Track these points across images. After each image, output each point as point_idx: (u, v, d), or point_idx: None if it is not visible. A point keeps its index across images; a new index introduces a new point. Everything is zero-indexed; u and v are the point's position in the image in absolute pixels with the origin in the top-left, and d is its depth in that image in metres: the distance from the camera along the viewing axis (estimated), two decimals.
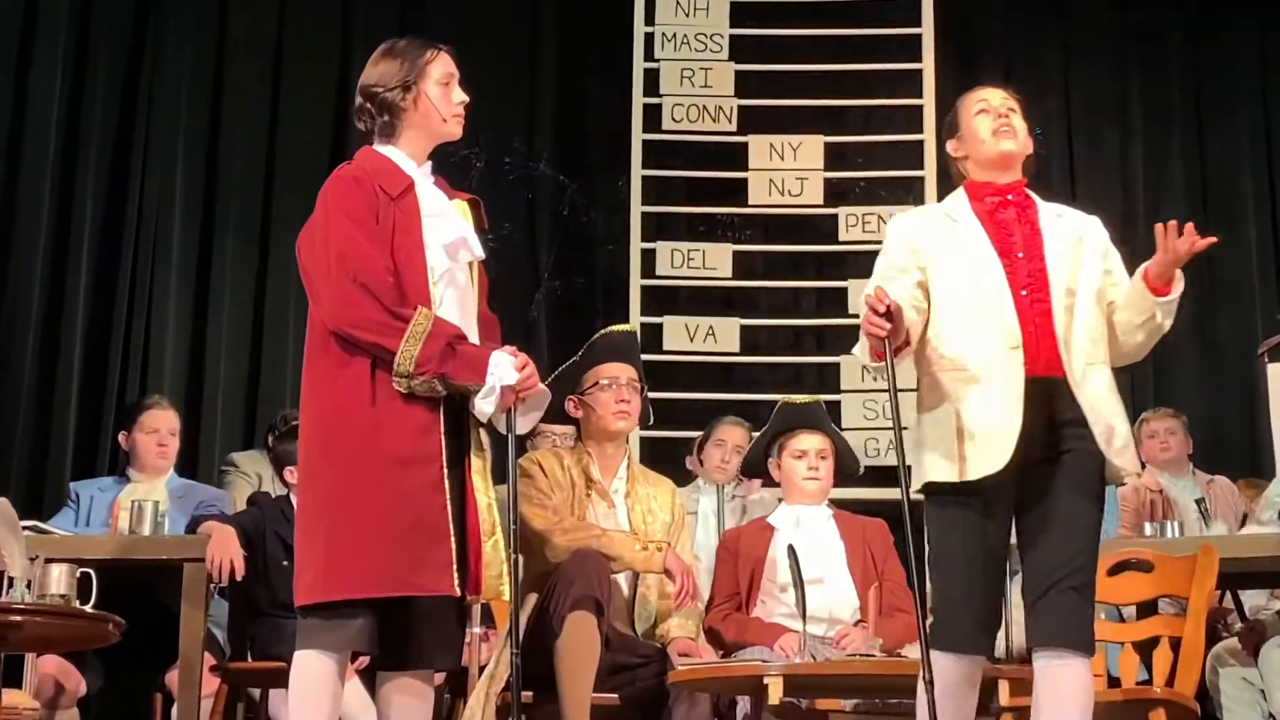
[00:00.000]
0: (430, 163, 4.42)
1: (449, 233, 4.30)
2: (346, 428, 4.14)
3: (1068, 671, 3.97)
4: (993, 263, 4.20)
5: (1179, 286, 4.17)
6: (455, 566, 4.07)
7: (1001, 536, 4.12)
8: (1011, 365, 4.10)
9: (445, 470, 4.12)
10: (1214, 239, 4.12)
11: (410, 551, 4.05)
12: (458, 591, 4.08)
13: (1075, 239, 4.27)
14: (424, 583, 4.07)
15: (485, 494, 4.23)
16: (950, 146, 4.42)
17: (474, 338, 4.25)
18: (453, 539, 4.09)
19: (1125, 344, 4.28)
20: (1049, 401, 4.10)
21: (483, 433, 4.29)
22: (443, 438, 4.14)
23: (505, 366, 4.14)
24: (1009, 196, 4.30)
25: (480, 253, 4.38)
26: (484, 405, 4.15)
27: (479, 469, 4.24)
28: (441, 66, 4.37)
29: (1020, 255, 4.20)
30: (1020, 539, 4.16)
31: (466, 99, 4.40)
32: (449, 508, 4.10)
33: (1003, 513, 4.11)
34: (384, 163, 4.33)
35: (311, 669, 4.13)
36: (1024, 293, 4.14)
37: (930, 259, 4.24)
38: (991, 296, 4.17)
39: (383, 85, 4.33)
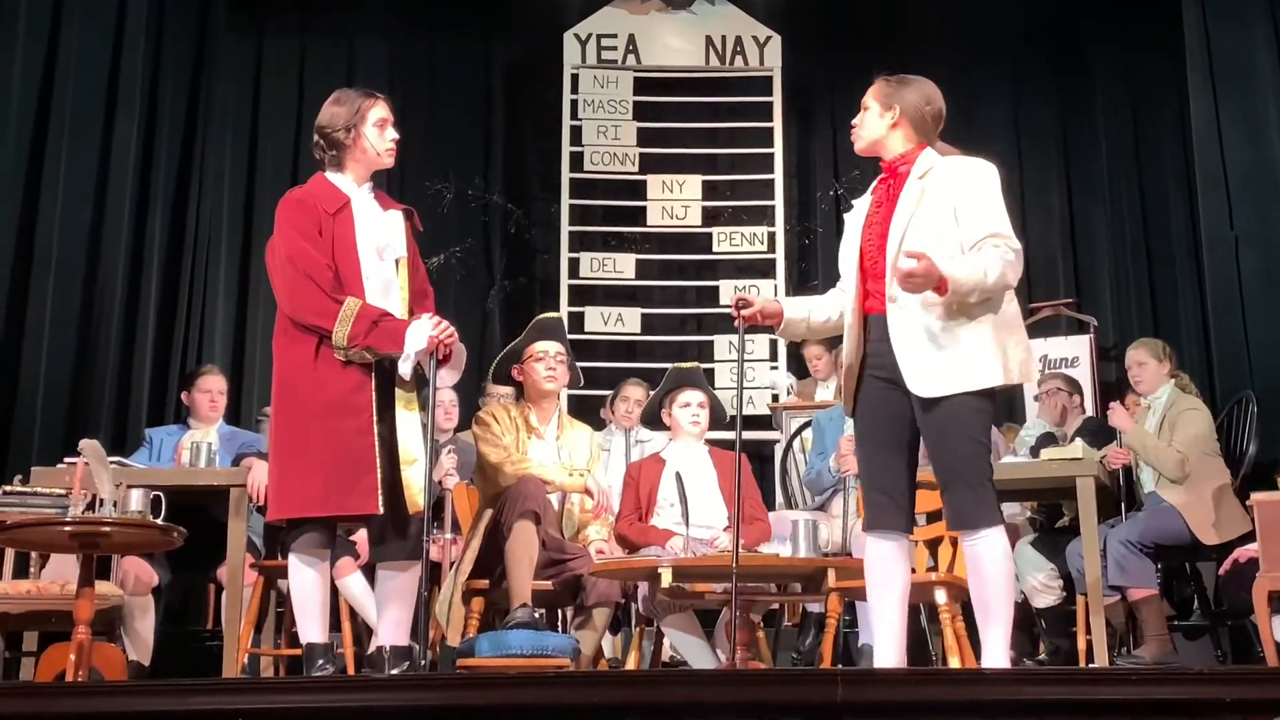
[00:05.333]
0: (370, 183, 4.32)
1: (377, 239, 4.23)
2: (297, 387, 4.10)
3: (976, 545, 3.79)
4: (859, 225, 4.01)
5: (957, 274, 3.72)
6: (380, 491, 4.02)
7: (894, 428, 3.86)
8: (854, 305, 3.95)
9: (376, 417, 4.06)
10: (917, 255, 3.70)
11: (341, 480, 4.01)
12: (381, 510, 4.03)
13: (925, 194, 3.87)
14: (352, 504, 4.04)
15: (407, 432, 4.14)
16: None
17: (399, 315, 4.19)
18: (379, 470, 4.03)
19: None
20: (881, 330, 3.89)
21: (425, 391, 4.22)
22: (373, 393, 4.09)
23: (419, 336, 4.08)
24: (885, 173, 4.01)
25: (403, 252, 4.29)
26: (403, 367, 4.11)
27: (404, 413, 4.16)
28: (378, 112, 4.27)
29: (880, 218, 3.93)
30: None
31: (397, 136, 4.31)
32: (376, 446, 4.04)
33: (893, 413, 3.86)
34: (327, 186, 4.25)
35: (297, 566, 4.16)
36: (870, 247, 3.92)
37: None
38: (851, 251, 4.00)
39: (331, 127, 4.25)
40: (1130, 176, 8.96)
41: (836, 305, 4.11)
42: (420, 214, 4.50)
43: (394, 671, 4.09)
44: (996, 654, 3.79)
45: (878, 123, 4.01)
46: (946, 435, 3.80)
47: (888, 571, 3.91)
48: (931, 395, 3.78)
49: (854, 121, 4.07)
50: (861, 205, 4.08)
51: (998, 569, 3.80)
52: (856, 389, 3.98)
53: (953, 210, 3.85)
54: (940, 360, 3.79)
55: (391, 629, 4.19)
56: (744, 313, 4.06)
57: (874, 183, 4.08)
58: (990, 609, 3.82)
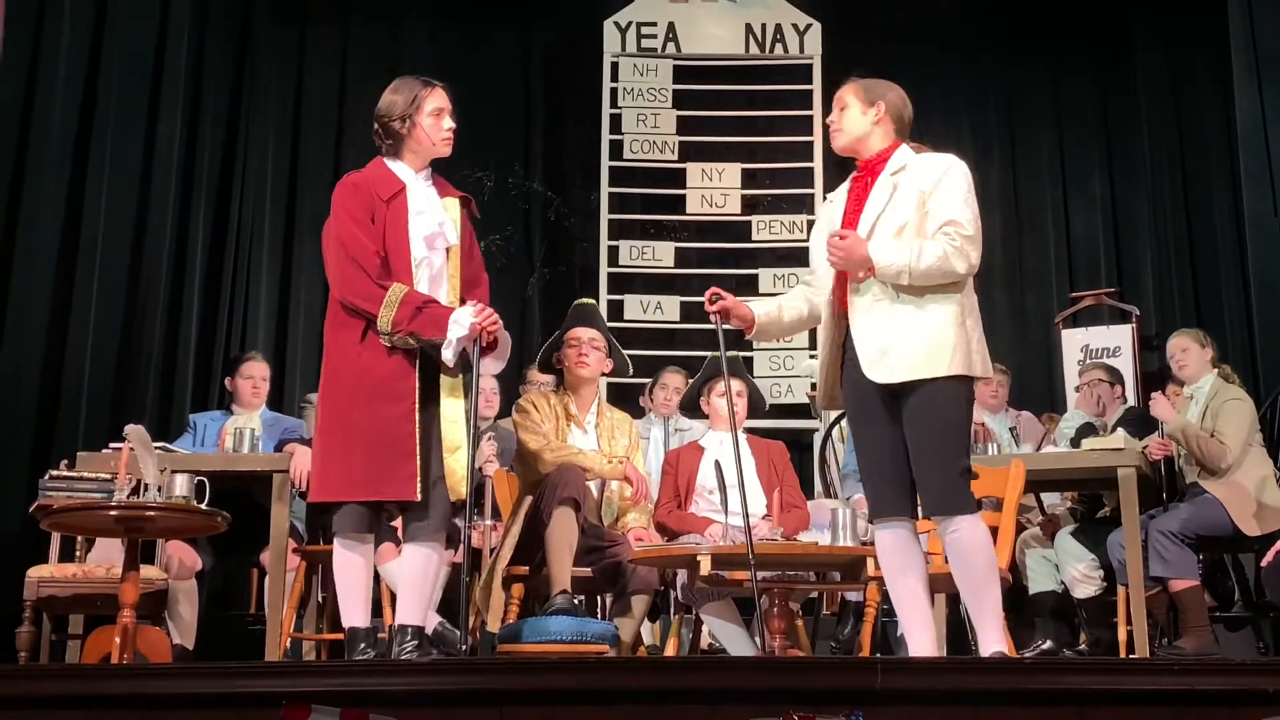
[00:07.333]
0: (428, 169, 4.33)
1: (428, 227, 4.23)
2: (343, 372, 4.11)
3: (957, 535, 3.77)
4: (836, 220, 4.03)
5: (881, 257, 3.82)
6: (419, 478, 4.04)
7: (884, 413, 3.86)
8: (831, 300, 3.99)
9: (418, 405, 4.07)
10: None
11: (382, 466, 4.03)
12: (419, 497, 4.04)
13: (896, 188, 3.92)
14: (392, 490, 4.05)
15: (451, 419, 4.15)
16: None
17: (447, 303, 4.19)
18: (418, 457, 4.04)
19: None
20: (849, 326, 3.94)
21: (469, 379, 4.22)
22: (417, 380, 4.10)
23: (462, 323, 4.07)
24: (861, 170, 4.05)
25: (454, 241, 4.28)
26: (446, 354, 4.10)
27: (449, 400, 4.16)
28: (434, 101, 4.28)
29: (853, 214, 3.98)
30: None
31: (454, 125, 4.31)
32: (417, 433, 4.05)
33: (880, 399, 3.86)
34: (384, 172, 4.26)
35: (341, 549, 4.17)
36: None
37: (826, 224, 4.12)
38: (824, 247, 4.00)
39: (389, 115, 4.26)
40: (1173, 165, 8.89)
41: (806, 301, 4.16)
42: None
43: (402, 649, 4.07)
44: (994, 641, 3.79)
45: (861, 120, 4.05)
46: (919, 419, 3.80)
47: (898, 560, 3.90)
48: (887, 381, 3.79)
49: (830, 120, 4.10)
50: (838, 200, 4.09)
51: (981, 558, 3.80)
52: (840, 381, 3.99)
53: (921, 204, 3.88)
54: (903, 346, 3.80)
55: (402, 608, 4.18)
56: (714, 306, 4.11)
57: (849, 180, 4.09)
58: (981, 599, 3.83)
